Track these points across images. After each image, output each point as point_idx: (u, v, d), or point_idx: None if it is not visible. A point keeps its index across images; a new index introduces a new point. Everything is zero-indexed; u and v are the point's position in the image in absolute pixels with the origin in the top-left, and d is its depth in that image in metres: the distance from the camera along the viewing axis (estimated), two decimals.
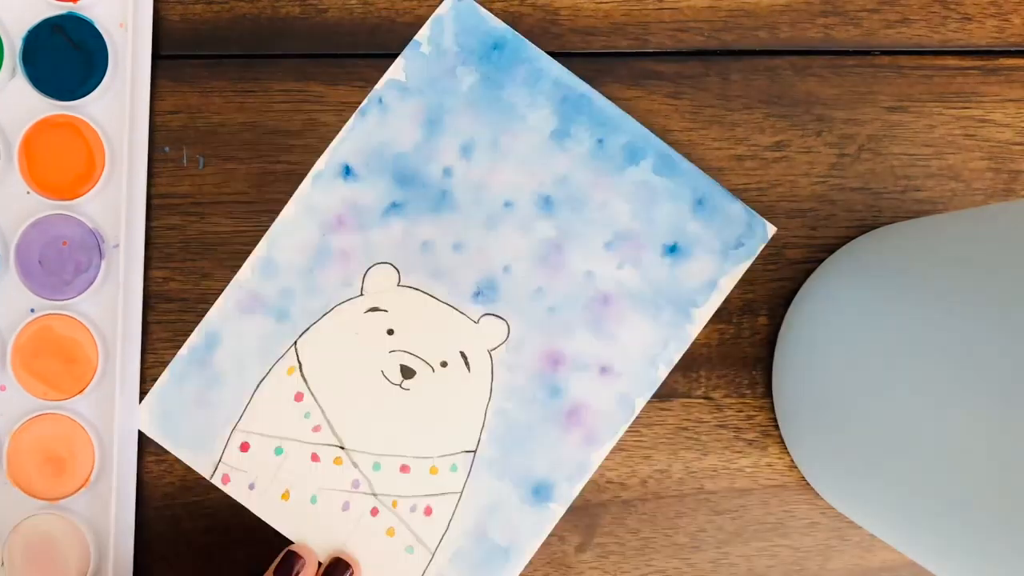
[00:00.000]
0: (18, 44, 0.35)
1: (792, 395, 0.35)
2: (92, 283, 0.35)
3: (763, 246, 0.37)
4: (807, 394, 0.33)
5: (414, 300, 0.36)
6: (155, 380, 0.36)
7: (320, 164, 0.36)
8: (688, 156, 0.37)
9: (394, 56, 0.37)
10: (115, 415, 0.35)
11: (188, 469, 0.36)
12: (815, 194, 0.37)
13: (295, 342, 0.36)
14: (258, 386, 0.36)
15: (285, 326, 0.36)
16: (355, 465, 0.36)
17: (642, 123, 0.37)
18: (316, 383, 0.36)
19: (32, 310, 0.35)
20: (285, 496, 0.36)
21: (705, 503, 0.37)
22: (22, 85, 0.35)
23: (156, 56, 0.36)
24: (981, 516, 0.23)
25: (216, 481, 0.36)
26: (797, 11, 0.37)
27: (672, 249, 0.37)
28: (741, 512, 0.37)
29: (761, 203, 0.37)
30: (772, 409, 0.37)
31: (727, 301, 0.37)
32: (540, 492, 0.36)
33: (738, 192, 0.37)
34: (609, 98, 0.37)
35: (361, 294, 0.36)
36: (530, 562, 0.37)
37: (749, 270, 0.37)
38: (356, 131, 0.36)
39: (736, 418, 0.37)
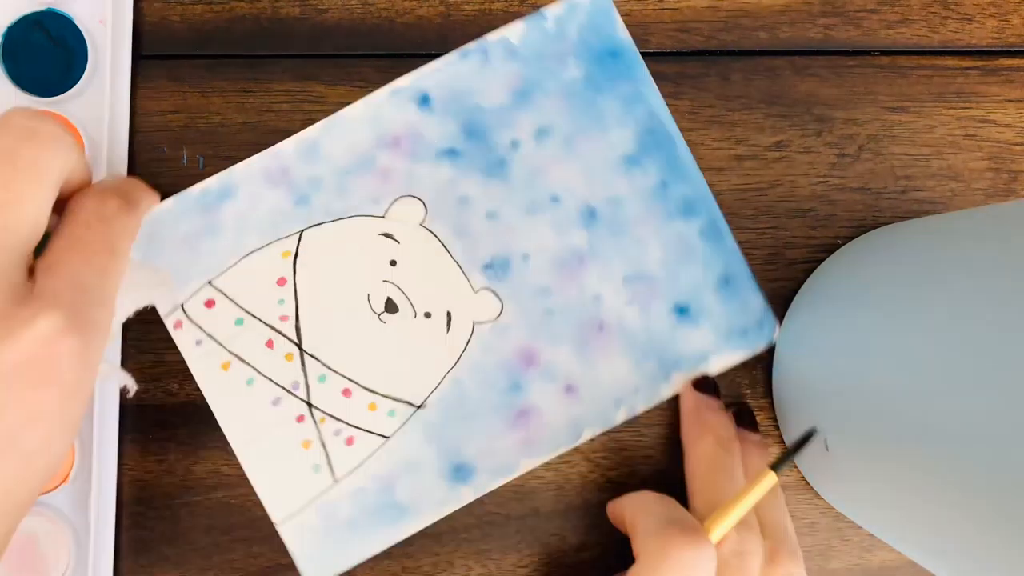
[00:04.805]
0: None
1: (792, 395, 0.35)
2: None
3: (764, 346, 0.37)
4: (807, 394, 0.33)
5: (428, 244, 0.36)
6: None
7: (403, 81, 0.36)
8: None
9: (394, 56, 0.37)
10: (94, 411, 0.35)
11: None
12: (815, 194, 0.37)
13: (302, 231, 0.36)
14: (249, 254, 0.36)
15: (300, 212, 0.36)
16: (303, 368, 0.36)
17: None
18: (303, 277, 0.36)
19: None
20: (225, 366, 0.36)
21: None
22: (2, 82, 0.35)
23: (156, 56, 0.36)
24: (980, 516, 0.23)
25: (168, 324, 0.35)
26: (797, 11, 0.37)
27: (682, 310, 0.36)
28: None
29: (761, 203, 0.37)
30: (772, 409, 0.37)
31: None
32: (460, 472, 0.36)
33: (738, 192, 0.37)
34: None
35: (383, 216, 0.36)
36: (525, 563, 0.37)
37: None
38: (450, 68, 0.36)
39: None
